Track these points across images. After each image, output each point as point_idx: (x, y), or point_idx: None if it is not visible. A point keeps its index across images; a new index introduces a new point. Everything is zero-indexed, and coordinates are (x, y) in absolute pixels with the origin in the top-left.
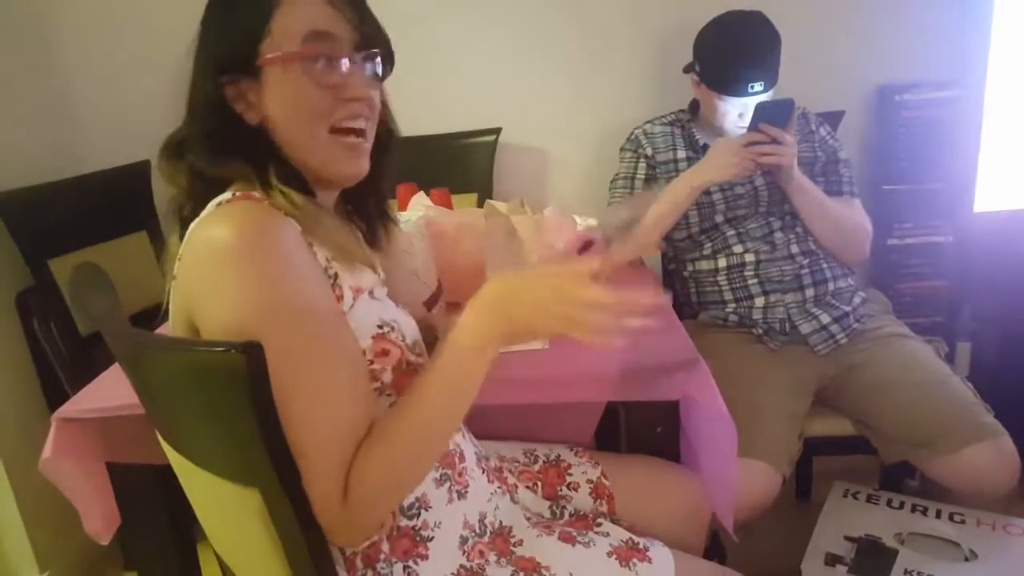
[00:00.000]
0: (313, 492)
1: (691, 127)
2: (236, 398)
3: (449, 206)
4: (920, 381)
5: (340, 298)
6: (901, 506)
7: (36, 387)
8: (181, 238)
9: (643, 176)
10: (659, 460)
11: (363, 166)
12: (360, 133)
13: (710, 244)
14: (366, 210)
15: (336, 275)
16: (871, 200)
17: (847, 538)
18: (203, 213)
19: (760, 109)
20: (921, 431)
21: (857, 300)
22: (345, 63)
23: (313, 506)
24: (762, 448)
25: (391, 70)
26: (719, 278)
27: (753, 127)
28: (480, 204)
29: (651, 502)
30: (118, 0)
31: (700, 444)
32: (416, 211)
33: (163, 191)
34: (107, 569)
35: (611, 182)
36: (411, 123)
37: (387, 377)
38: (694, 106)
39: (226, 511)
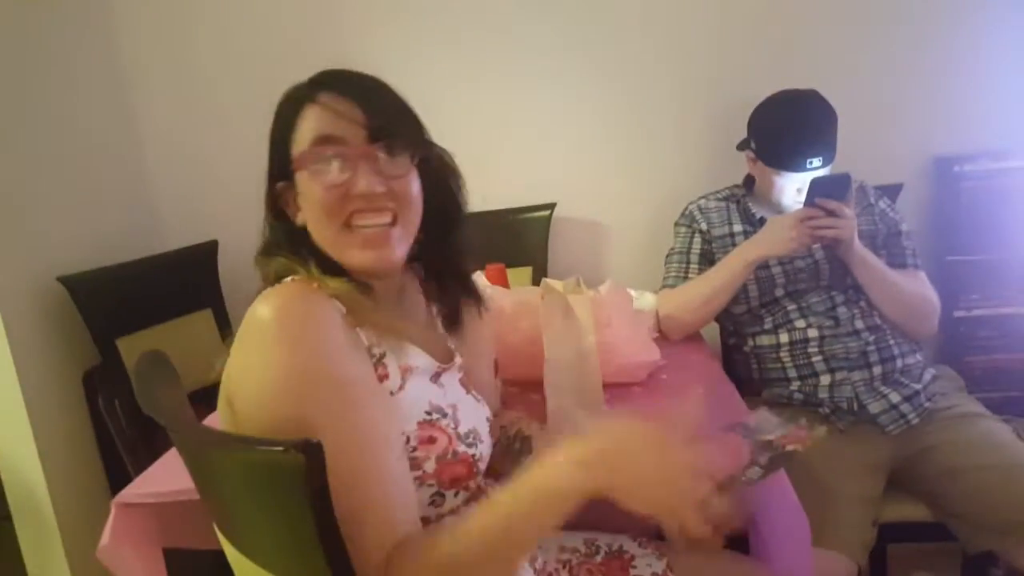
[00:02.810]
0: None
1: (746, 202)
2: (294, 497)
3: (505, 282)
4: (1001, 464)
5: (385, 377)
6: None
7: (99, 466)
8: None
9: (699, 251)
10: (728, 552)
11: (388, 255)
12: (375, 225)
13: (771, 319)
14: (448, 291)
15: (383, 355)
16: (936, 272)
17: None
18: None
19: (816, 184)
20: (1006, 518)
21: (927, 377)
22: (350, 162)
23: None
24: (835, 537)
25: (420, 152)
26: (781, 354)
27: (810, 201)
28: (535, 279)
29: None
30: (197, 90)
31: (771, 535)
32: None
33: (228, 270)
34: None
35: (666, 257)
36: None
37: (430, 466)
38: (748, 182)
39: None
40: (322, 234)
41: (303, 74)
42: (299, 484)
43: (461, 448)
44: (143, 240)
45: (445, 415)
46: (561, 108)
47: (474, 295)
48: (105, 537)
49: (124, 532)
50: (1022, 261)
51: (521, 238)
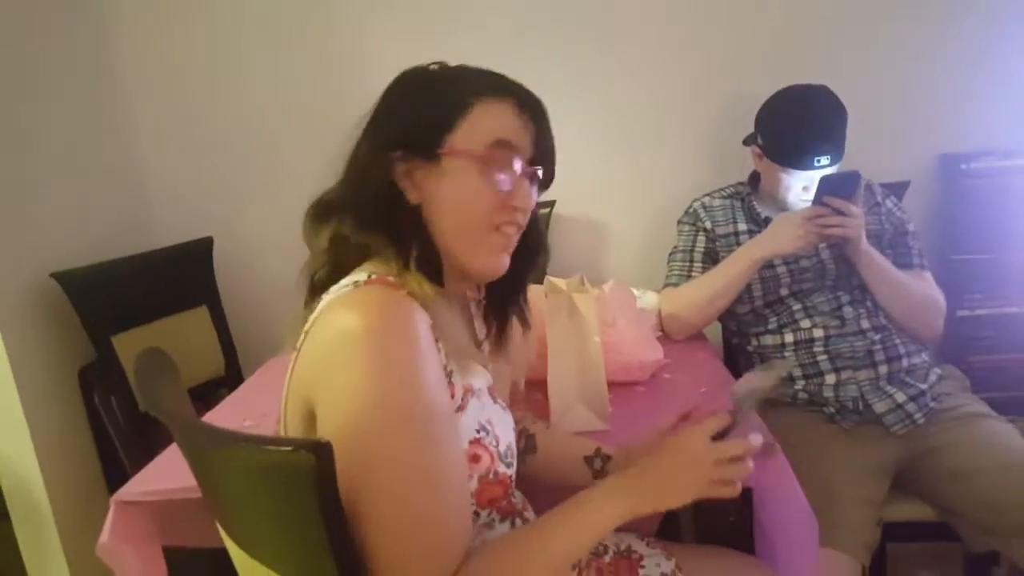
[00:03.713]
0: None
1: (751, 200)
2: (303, 497)
3: None
4: (1006, 465)
5: (452, 396)
6: None
7: (96, 463)
8: (307, 302)
9: (702, 249)
10: (735, 552)
11: (504, 263)
12: (512, 237)
13: (775, 318)
14: (505, 307)
15: (452, 372)
16: (940, 270)
17: None
18: (336, 290)
19: (825, 182)
20: (1011, 519)
21: (933, 377)
22: (519, 176)
23: None
24: (840, 537)
25: (549, 186)
26: (786, 354)
27: (818, 200)
28: (537, 278)
29: None
30: (193, 84)
31: (777, 535)
32: None
33: (224, 267)
34: None
35: (669, 255)
36: None
37: (473, 485)
38: (754, 179)
39: None
40: (463, 228)
41: (297, 69)
42: (309, 484)
43: (501, 468)
44: (138, 237)
45: (487, 432)
46: (561, 103)
47: (525, 318)
48: (104, 535)
49: (123, 530)
50: None
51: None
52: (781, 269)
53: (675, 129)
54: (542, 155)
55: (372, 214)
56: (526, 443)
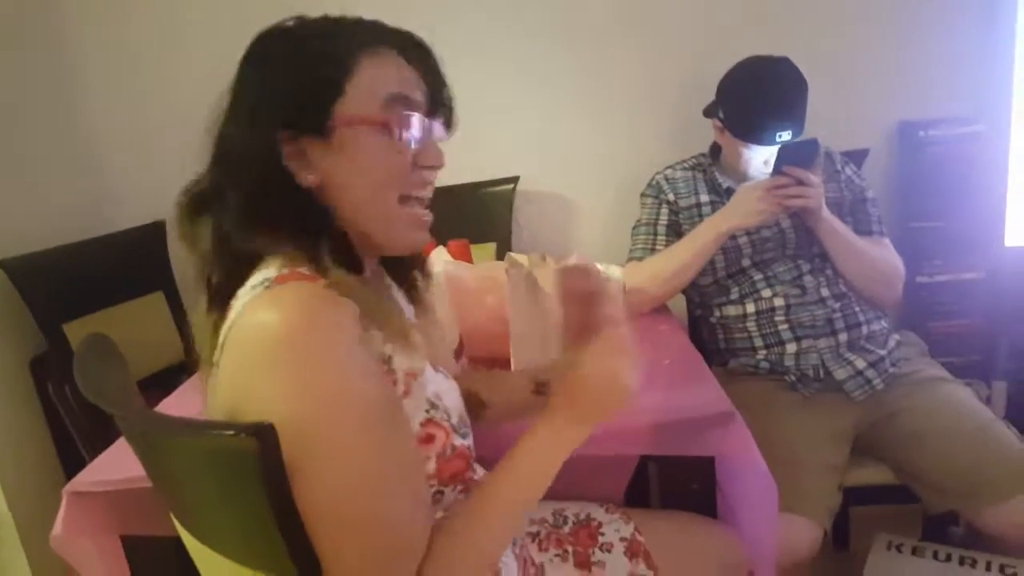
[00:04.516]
0: None
1: (713, 171)
2: (248, 483)
3: (468, 258)
4: (963, 427)
5: (394, 383)
6: (948, 558)
7: (52, 453)
8: (211, 308)
9: (666, 222)
10: (695, 516)
11: (427, 238)
12: (427, 203)
13: (737, 289)
14: (405, 270)
15: (390, 358)
16: (898, 238)
17: None
18: (248, 292)
19: (784, 151)
20: (968, 480)
21: (892, 343)
22: (422, 130)
23: None
24: (802, 502)
25: (452, 132)
26: (748, 324)
27: (777, 170)
28: (500, 254)
29: (688, 559)
30: (143, 62)
31: (739, 501)
32: (436, 266)
33: (179, 251)
34: None
35: (633, 228)
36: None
37: (430, 467)
38: (715, 150)
39: None
40: (372, 205)
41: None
42: (253, 468)
43: (458, 441)
44: (88, 221)
45: (437, 407)
46: (523, 79)
47: (428, 274)
48: (57, 527)
49: (78, 521)
50: (984, 226)
51: (484, 213)
52: (743, 240)
53: (636, 103)
54: (439, 102)
55: (259, 206)
56: (475, 405)
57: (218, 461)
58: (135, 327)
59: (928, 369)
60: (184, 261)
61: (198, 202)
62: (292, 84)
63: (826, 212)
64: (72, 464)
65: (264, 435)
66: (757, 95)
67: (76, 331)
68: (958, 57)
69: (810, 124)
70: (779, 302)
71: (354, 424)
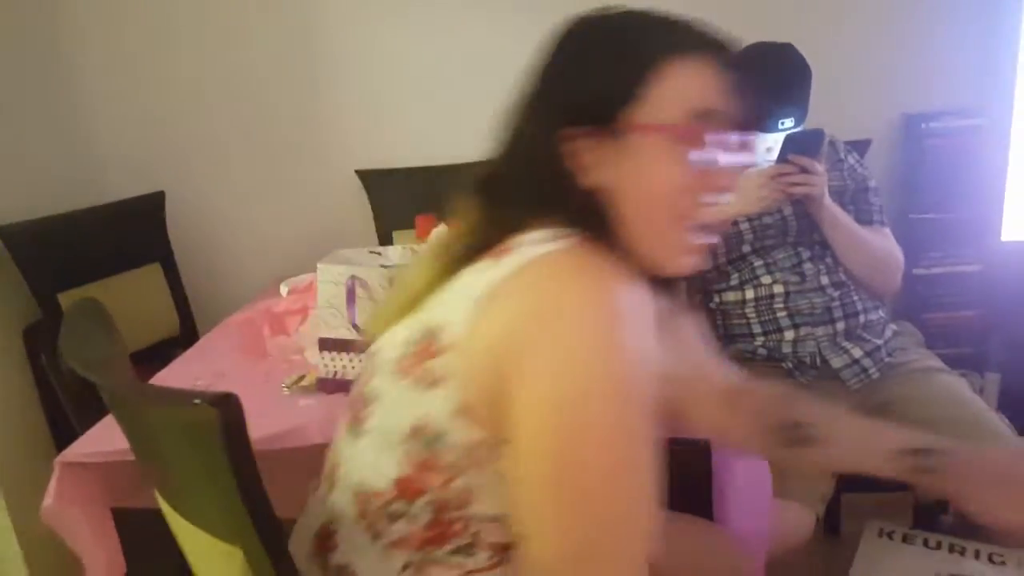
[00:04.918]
0: None
1: None
2: (212, 451)
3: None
4: (956, 418)
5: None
6: (938, 546)
7: (43, 423)
8: (450, 270)
9: None
10: (694, 518)
11: (696, 264)
12: (711, 228)
13: (737, 275)
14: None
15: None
16: (898, 229)
17: None
18: (531, 247)
19: (789, 140)
20: None
21: (889, 333)
22: (720, 150)
23: None
24: (795, 488)
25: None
26: (747, 310)
27: (782, 157)
28: None
29: (686, 562)
30: (136, 35)
31: (733, 487)
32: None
33: (176, 222)
34: None
35: None
36: (427, 152)
37: None
38: None
39: (213, 565)
40: (646, 219)
41: (243, 20)
42: (215, 438)
43: None
44: (85, 190)
45: None
46: (523, 59)
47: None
48: (48, 497)
49: (69, 492)
50: (982, 220)
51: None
52: (744, 226)
53: None
54: (750, 120)
55: (547, 200)
56: (795, 435)
57: (184, 430)
58: (131, 298)
59: (923, 359)
60: (181, 233)
61: (494, 188)
62: (583, 82)
63: (828, 200)
64: (63, 435)
65: (224, 405)
66: (760, 81)
67: (71, 301)
68: (962, 51)
69: (814, 114)
70: (778, 289)
71: (636, 409)
